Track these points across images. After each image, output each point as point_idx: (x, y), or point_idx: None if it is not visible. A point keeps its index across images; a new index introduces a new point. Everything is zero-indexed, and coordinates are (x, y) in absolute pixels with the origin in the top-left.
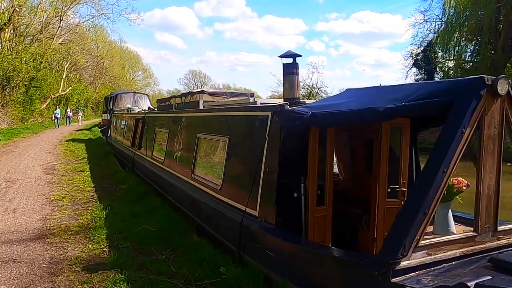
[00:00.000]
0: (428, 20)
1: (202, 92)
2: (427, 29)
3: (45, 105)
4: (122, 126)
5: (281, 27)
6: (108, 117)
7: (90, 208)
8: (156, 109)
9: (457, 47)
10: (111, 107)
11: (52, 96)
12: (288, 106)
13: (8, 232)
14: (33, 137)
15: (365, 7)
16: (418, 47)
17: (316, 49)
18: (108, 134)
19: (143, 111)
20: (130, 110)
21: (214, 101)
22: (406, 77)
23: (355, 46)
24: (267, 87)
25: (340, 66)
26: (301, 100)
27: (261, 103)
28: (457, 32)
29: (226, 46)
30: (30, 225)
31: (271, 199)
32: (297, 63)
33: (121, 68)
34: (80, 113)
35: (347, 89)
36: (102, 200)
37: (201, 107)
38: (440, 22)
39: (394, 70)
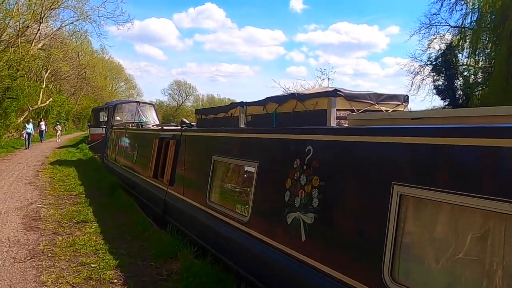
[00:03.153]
0: (434, 24)
1: (335, 93)
2: (432, 34)
3: (22, 119)
4: (130, 147)
5: (261, 38)
6: (102, 132)
7: None
8: (194, 124)
9: (486, 52)
10: (107, 120)
11: (30, 108)
12: None
13: None
14: (7, 158)
15: (342, 18)
16: (432, 52)
17: (296, 59)
18: (105, 155)
19: (173, 127)
20: (141, 125)
21: (353, 110)
22: (412, 84)
23: (334, 56)
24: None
25: (319, 76)
26: None
27: None
28: (486, 35)
29: (206, 57)
30: None
31: None
32: None
33: (103, 79)
34: (59, 127)
35: None
36: None
37: (332, 122)
38: (448, 27)
39: (372, 80)
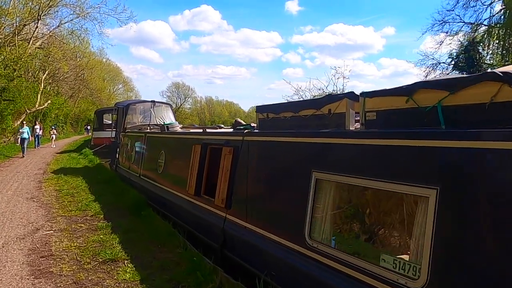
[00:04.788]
0: (447, 21)
1: None
2: (445, 31)
3: (19, 122)
4: (153, 154)
5: (257, 40)
6: (107, 136)
7: None
8: (255, 126)
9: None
10: (116, 122)
11: (28, 111)
12: None
13: None
14: (4, 166)
15: (338, 20)
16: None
17: (292, 61)
18: (116, 162)
19: (224, 131)
20: (168, 127)
21: None
22: None
23: (330, 57)
24: (283, 96)
25: (317, 77)
26: None
27: None
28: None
29: (202, 60)
30: None
31: None
32: None
33: (101, 81)
34: (54, 131)
35: None
36: None
37: None
38: (461, 23)
39: (369, 81)
